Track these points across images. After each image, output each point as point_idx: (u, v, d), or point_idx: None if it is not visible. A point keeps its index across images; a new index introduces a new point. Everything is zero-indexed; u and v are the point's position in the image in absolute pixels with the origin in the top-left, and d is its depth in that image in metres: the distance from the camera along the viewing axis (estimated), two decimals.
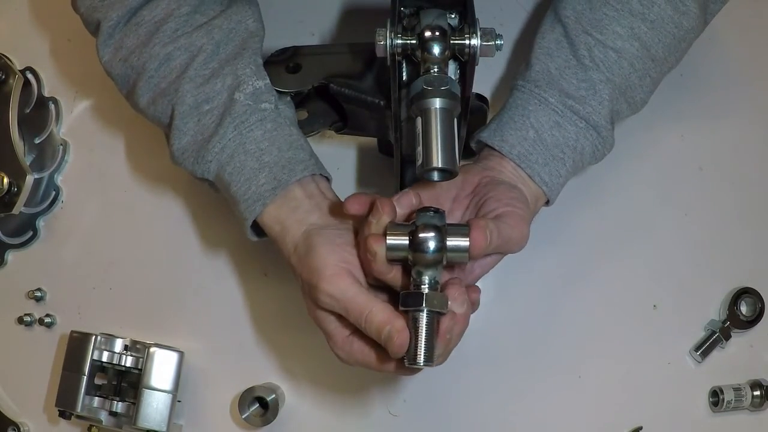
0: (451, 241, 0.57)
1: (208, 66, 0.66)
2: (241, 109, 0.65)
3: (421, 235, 0.57)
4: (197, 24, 0.67)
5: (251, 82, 0.66)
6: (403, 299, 0.58)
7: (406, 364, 0.57)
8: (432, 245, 0.56)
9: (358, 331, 0.60)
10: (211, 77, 0.66)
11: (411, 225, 0.58)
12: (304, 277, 0.62)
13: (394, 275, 0.60)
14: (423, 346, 0.56)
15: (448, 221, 0.59)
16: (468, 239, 0.57)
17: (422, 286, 0.57)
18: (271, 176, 0.64)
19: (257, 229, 0.66)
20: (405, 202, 0.61)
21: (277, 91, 0.68)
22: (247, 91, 0.65)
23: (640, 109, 0.71)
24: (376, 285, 0.62)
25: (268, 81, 0.67)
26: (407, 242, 0.57)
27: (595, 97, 0.67)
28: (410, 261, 0.58)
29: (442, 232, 0.57)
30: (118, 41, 0.67)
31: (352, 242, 0.62)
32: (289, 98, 0.69)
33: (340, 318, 0.60)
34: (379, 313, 0.57)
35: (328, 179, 0.68)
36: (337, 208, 0.65)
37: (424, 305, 0.56)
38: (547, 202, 0.69)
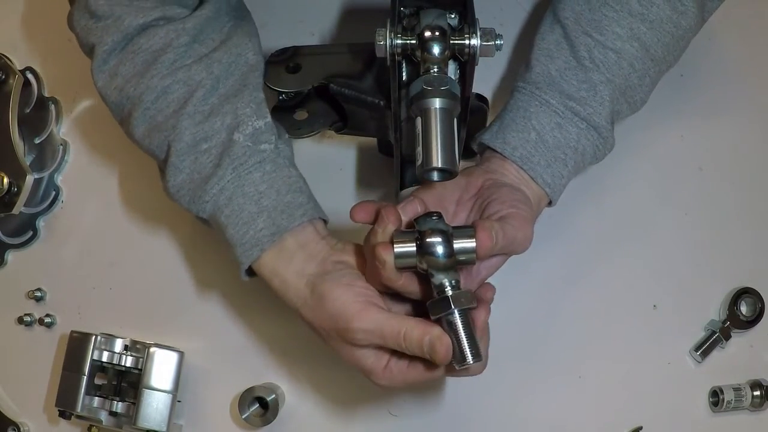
0: (458, 244, 0.58)
1: (208, 102, 0.65)
2: (240, 151, 0.64)
3: (429, 240, 0.57)
4: (197, 56, 0.66)
5: (251, 123, 0.65)
6: (432, 308, 0.58)
7: (457, 367, 0.58)
8: (442, 249, 0.57)
9: (393, 356, 0.60)
10: (210, 115, 0.65)
11: (416, 232, 0.58)
12: (325, 325, 0.61)
13: (403, 282, 0.60)
14: (467, 344, 0.57)
15: (453, 224, 0.60)
16: (474, 240, 0.58)
17: (445, 290, 0.58)
18: (270, 221, 0.63)
19: (250, 269, 0.66)
20: (410, 210, 0.61)
21: (276, 90, 0.68)
22: (247, 131, 0.64)
23: (640, 108, 0.71)
24: (387, 293, 0.62)
25: (269, 119, 0.66)
26: (415, 249, 0.58)
27: (595, 98, 0.67)
28: (422, 268, 0.58)
29: (449, 235, 0.58)
30: (113, 68, 0.66)
31: (358, 276, 0.62)
32: (287, 136, 0.68)
33: (377, 350, 0.60)
34: (415, 329, 0.58)
35: (325, 221, 0.68)
36: (336, 252, 0.64)
37: (453, 307, 0.57)
38: (550, 203, 0.69)
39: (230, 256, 0.66)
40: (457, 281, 0.58)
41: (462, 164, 0.66)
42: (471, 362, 0.57)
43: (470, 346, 0.57)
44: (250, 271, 0.66)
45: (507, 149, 0.67)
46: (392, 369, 0.61)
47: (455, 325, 0.57)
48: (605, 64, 0.67)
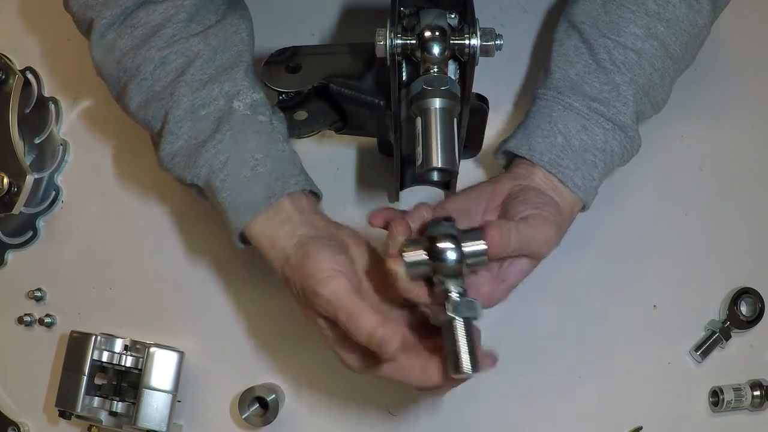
0: (468, 247, 0.57)
1: (206, 71, 0.66)
2: (240, 119, 0.65)
3: (439, 245, 0.57)
4: (193, 32, 0.67)
5: (249, 93, 0.66)
6: (435, 313, 0.58)
7: (452, 374, 0.57)
8: (451, 254, 0.57)
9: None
10: (208, 82, 0.65)
11: (425, 238, 0.58)
12: (299, 284, 0.61)
13: (418, 292, 0.59)
14: (464, 352, 0.56)
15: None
16: (483, 243, 0.57)
17: (450, 295, 0.57)
18: (265, 186, 0.64)
19: (244, 236, 0.66)
20: (417, 217, 0.61)
21: (276, 90, 0.68)
22: (246, 101, 0.65)
23: (661, 109, 0.71)
24: (407, 305, 0.62)
25: (263, 95, 0.67)
26: (425, 257, 0.57)
27: (619, 99, 0.67)
28: (432, 274, 0.58)
29: (458, 238, 0.57)
30: (111, 41, 0.67)
31: (345, 251, 0.62)
32: (281, 114, 0.69)
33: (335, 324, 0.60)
34: (370, 318, 0.56)
35: (318, 196, 0.68)
36: (332, 225, 0.65)
37: (455, 314, 0.56)
38: (583, 208, 0.69)
39: (223, 220, 0.65)
40: (464, 288, 0.58)
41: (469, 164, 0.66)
42: (468, 373, 0.56)
43: (469, 356, 0.56)
44: (244, 239, 0.66)
45: (534, 155, 0.67)
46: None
47: (456, 334, 0.56)
48: (626, 64, 0.67)
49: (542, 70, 0.72)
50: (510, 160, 0.71)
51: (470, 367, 0.56)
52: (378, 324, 0.56)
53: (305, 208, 0.65)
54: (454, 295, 0.57)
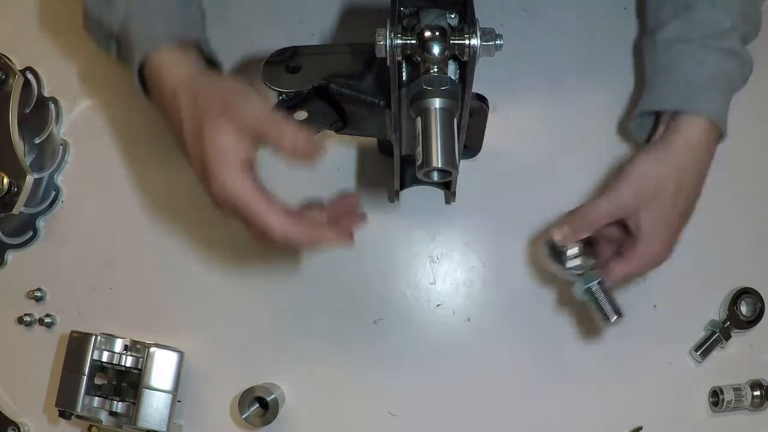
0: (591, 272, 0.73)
1: None
2: None
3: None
4: None
5: None
6: (576, 289, 0.73)
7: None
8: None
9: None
10: None
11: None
12: (208, 95, 0.61)
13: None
14: (608, 302, 0.71)
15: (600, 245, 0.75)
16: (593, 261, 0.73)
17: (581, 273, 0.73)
18: (176, 24, 0.65)
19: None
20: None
21: (276, 90, 0.68)
22: None
23: (758, 30, 0.74)
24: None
25: None
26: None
27: (723, 28, 0.71)
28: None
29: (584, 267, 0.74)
30: None
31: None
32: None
33: (238, 143, 0.60)
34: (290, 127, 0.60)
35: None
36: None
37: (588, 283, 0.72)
38: (721, 136, 0.72)
39: (127, 61, 0.66)
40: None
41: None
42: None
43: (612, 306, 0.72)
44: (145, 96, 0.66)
45: (665, 104, 0.72)
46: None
47: (595, 296, 0.72)
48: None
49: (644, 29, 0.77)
50: (647, 123, 0.75)
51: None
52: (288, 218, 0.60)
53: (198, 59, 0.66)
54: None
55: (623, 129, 0.82)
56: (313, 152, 0.59)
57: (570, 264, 0.73)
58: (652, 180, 0.70)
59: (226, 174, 0.60)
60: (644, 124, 0.76)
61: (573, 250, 0.73)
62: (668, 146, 0.71)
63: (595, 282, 0.72)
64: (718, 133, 0.72)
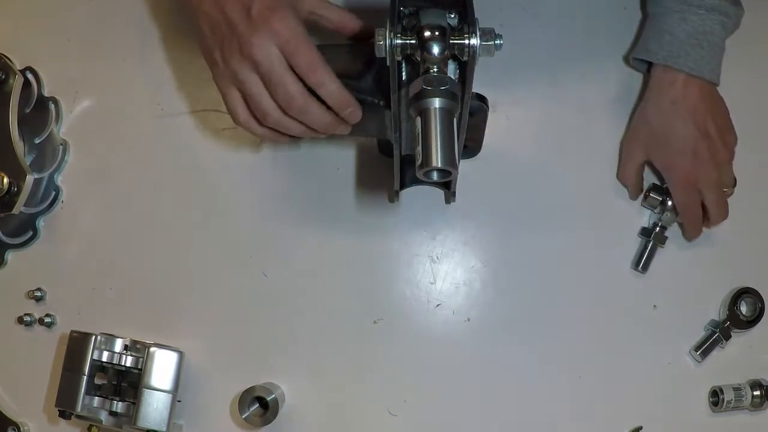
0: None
1: None
2: None
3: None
4: None
5: None
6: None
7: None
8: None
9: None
10: None
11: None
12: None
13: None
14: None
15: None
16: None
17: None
18: None
19: None
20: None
21: None
22: None
23: None
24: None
25: None
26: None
27: None
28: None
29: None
30: None
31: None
32: None
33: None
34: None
35: None
36: None
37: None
38: (714, 84, 0.77)
39: None
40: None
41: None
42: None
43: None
44: None
45: (651, 55, 0.77)
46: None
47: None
48: None
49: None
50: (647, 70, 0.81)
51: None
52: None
53: None
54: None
55: (623, 129, 0.82)
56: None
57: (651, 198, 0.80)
58: (649, 133, 0.78)
59: (285, 20, 0.61)
60: (641, 65, 0.82)
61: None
62: (647, 102, 0.79)
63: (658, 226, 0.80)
64: (700, 83, 0.76)
